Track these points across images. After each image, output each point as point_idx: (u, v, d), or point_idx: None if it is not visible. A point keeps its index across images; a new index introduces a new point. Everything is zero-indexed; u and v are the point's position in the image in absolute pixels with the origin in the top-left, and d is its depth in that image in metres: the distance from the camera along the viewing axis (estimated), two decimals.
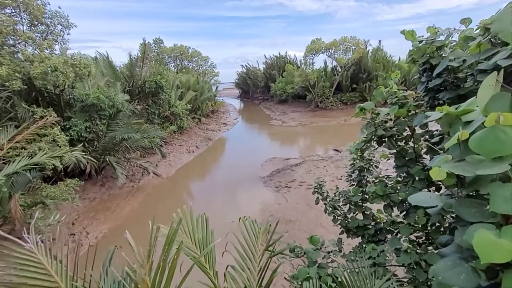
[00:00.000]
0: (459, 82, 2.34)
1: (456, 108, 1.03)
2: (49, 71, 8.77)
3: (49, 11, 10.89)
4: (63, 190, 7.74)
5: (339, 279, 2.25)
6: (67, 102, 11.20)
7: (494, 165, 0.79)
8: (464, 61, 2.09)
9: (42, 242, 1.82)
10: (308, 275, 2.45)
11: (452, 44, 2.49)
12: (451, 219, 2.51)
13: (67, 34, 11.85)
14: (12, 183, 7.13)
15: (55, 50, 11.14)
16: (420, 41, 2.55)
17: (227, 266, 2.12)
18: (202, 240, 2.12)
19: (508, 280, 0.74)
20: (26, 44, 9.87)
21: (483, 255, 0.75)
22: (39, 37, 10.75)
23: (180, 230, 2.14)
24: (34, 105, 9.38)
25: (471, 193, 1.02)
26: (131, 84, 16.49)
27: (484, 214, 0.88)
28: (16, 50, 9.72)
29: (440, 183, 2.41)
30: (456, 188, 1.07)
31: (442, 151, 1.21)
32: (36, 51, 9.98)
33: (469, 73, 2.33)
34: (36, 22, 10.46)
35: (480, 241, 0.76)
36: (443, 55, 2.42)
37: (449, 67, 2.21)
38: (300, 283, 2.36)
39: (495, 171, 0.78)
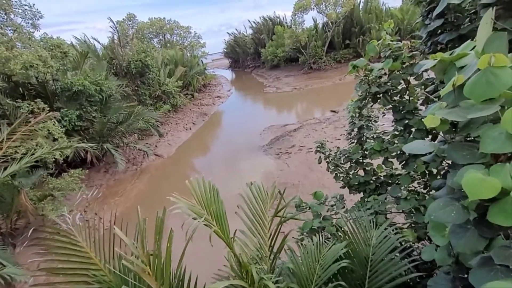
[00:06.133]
0: (460, 21, 2.23)
1: (450, 54, 1.00)
2: (28, 66, 8.54)
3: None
4: (69, 181, 7.87)
5: (343, 229, 2.39)
6: (54, 93, 10.88)
7: (485, 108, 0.80)
8: None
9: (80, 223, 1.82)
10: (312, 227, 2.61)
11: None
12: (447, 166, 2.59)
13: (37, 25, 11.55)
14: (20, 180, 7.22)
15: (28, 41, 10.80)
16: None
17: (235, 230, 2.21)
18: (216, 210, 2.15)
19: (493, 212, 0.80)
20: None
21: (471, 193, 0.80)
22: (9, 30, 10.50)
23: (195, 201, 2.18)
24: (20, 100, 9.14)
25: (464, 138, 1.04)
26: (115, 67, 15.86)
27: (475, 156, 0.91)
28: None
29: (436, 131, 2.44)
30: (448, 135, 1.09)
31: (437, 100, 1.21)
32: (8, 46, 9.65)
33: (472, 10, 2.22)
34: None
35: (469, 180, 0.80)
36: None
37: (450, 5, 2.10)
38: (303, 236, 2.50)
39: (485, 113, 0.79)
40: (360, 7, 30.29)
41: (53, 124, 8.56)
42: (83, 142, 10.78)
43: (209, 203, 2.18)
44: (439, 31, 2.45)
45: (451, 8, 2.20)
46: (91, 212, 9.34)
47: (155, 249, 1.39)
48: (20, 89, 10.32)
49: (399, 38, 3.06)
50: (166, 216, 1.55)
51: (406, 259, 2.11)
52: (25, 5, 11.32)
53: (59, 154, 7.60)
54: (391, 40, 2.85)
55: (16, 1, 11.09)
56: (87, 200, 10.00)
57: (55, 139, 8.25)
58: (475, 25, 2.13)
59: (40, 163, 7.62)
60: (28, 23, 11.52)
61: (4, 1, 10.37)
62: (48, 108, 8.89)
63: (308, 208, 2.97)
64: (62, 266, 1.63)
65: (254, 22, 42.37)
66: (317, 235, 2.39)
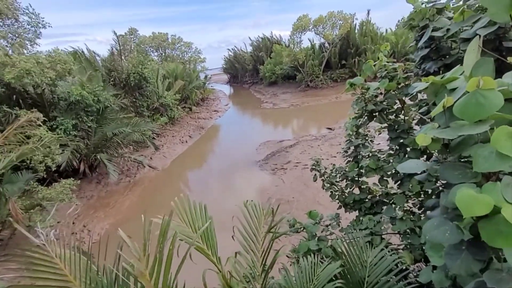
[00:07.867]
0: (444, 51, 2.33)
1: (441, 77, 1.04)
2: (24, 74, 8.53)
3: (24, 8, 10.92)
4: (59, 191, 7.67)
5: (338, 250, 2.34)
6: (51, 102, 10.87)
7: (475, 126, 0.84)
8: (448, 30, 2.07)
9: (56, 239, 1.76)
10: (308, 248, 2.54)
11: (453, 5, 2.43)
12: (442, 186, 2.60)
13: (39, 33, 11.78)
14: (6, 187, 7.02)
15: (28, 50, 10.96)
16: (422, 3, 2.51)
17: (235, 253, 2.17)
18: (204, 229, 2.12)
19: (486, 233, 0.80)
20: None
21: (465, 210, 0.80)
22: (10, 37, 10.63)
23: (180, 220, 2.15)
24: (17, 108, 9.11)
25: (456, 158, 1.06)
26: (113, 78, 16.01)
27: (467, 176, 0.93)
28: None
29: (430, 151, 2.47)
30: (441, 155, 1.10)
31: (430, 121, 1.24)
32: (9, 52, 9.75)
33: (455, 41, 2.32)
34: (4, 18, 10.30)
35: (462, 197, 0.82)
36: (443, 18, 2.37)
37: (434, 37, 2.20)
38: (299, 257, 2.45)
39: (475, 131, 0.82)
40: (356, 30, 31.52)
41: (46, 131, 8.41)
42: (78, 152, 10.67)
43: (195, 222, 2.15)
44: (430, 55, 2.54)
45: (436, 39, 2.30)
46: (80, 224, 9.05)
47: (157, 251, 1.36)
48: (15, 96, 10.29)
49: (395, 60, 3.16)
50: (152, 235, 1.51)
51: (402, 282, 2.07)
52: (31, 13, 11.59)
53: (51, 161, 7.44)
54: (387, 62, 2.94)
55: (24, 9, 11.38)
56: (77, 211, 9.74)
57: (40, 139, 8.04)
58: (459, 56, 2.22)
59: (24, 165, 7.43)
60: (31, 30, 11.74)
61: (8, 6, 10.63)
62: (44, 117, 8.83)
63: (302, 229, 2.93)
64: (33, 282, 1.57)
65: (254, 40, 43.69)
66: (312, 255, 2.34)
